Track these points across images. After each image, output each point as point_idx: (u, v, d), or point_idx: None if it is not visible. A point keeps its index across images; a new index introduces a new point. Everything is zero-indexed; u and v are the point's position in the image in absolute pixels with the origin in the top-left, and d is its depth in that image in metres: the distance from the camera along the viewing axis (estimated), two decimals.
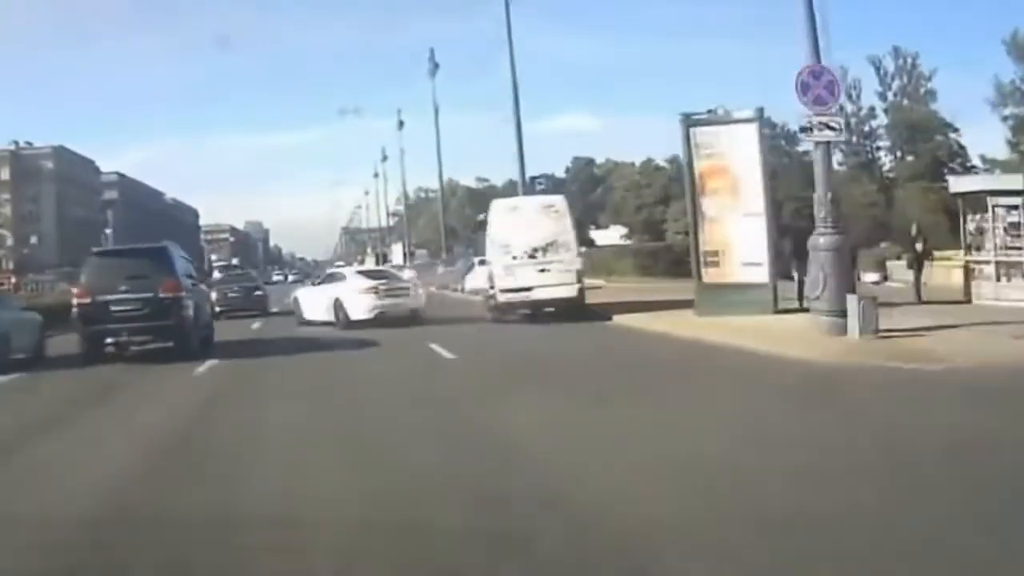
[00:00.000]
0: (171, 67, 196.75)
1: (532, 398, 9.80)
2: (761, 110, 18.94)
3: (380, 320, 21.78)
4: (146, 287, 16.34)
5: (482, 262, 38.98)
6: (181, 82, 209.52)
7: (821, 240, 14.39)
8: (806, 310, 18.89)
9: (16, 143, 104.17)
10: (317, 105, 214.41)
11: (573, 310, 21.55)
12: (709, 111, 18.99)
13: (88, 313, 16.37)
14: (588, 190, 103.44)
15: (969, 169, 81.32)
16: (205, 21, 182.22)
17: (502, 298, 21.79)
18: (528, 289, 21.52)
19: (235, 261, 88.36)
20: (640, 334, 17.81)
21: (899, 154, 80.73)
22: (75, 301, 16.75)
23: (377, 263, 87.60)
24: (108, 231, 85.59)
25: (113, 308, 16.24)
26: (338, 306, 22.87)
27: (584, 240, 44.77)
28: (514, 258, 21.71)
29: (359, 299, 22.59)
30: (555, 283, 21.49)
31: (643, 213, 52.98)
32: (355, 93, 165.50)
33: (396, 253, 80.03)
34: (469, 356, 14.67)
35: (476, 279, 37.22)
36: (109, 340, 16.69)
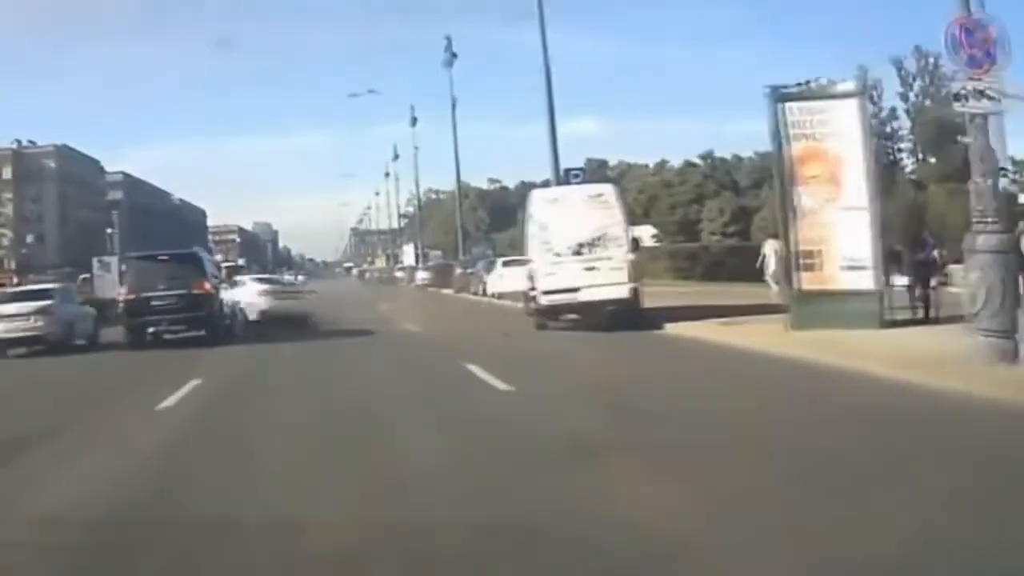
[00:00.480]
0: (181, 69, 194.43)
1: (664, 465, 6.45)
2: (864, 82, 15.63)
3: (274, 319, 23.23)
4: (181, 285, 19.40)
5: (506, 263, 35.84)
6: (191, 84, 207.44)
7: (982, 239, 11.00)
8: (921, 322, 15.86)
9: (18, 141, 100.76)
10: (328, 107, 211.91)
11: (624, 316, 18.41)
12: (803, 83, 15.63)
13: (133, 307, 19.51)
14: None
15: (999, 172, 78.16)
16: (220, 23, 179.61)
17: (545, 300, 18.60)
18: (574, 290, 18.32)
19: (241, 262, 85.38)
20: (723, 351, 14.39)
21: (921, 156, 77.66)
22: (121, 298, 20.28)
23: (388, 264, 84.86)
24: (109, 231, 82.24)
25: (154, 303, 19.33)
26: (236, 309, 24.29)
27: None
28: (558, 255, 18.51)
29: (255, 301, 24.21)
30: (605, 283, 18.29)
31: (676, 213, 49.37)
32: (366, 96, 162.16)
33: (408, 254, 76.67)
34: (529, 387, 11.01)
35: (500, 281, 34.01)
36: (151, 329, 19.58)
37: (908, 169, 76.35)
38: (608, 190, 19.66)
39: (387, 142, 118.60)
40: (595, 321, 18.56)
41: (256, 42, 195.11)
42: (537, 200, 19.55)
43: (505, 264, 35.09)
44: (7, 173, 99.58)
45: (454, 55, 47.63)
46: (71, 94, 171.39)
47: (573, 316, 19.11)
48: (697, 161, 59.65)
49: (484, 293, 37.07)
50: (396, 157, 74.11)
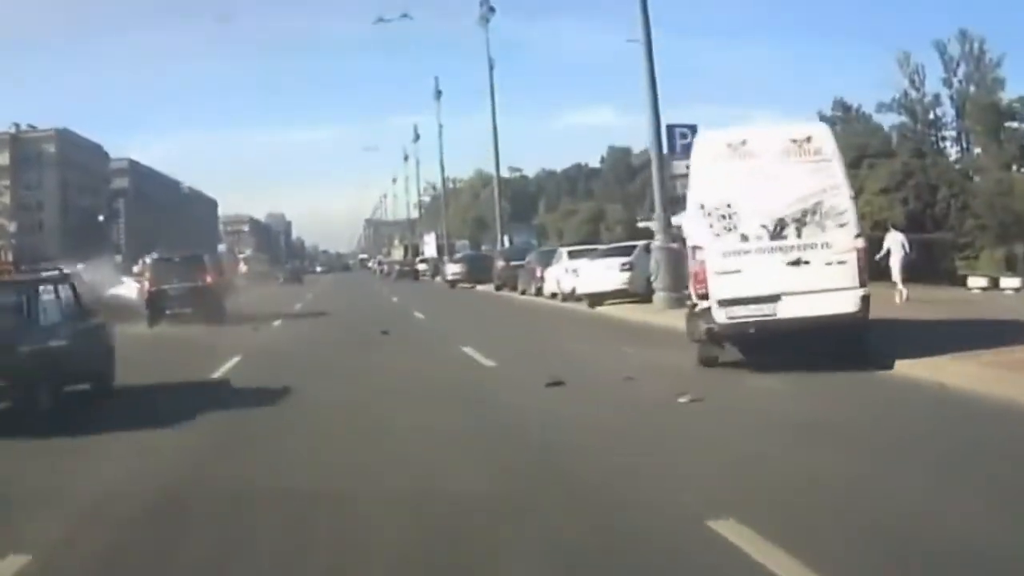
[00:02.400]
0: (198, 61, 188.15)
1: None
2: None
3: None
4: (191, 279, 25.47)
5: (573, 254, 27.94)
6: (206, 76, 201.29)
7: None
8: None
9: (16, 125, 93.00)
10: (344, 98, 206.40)
11: (845, 343, 10.91)
12: None
13: (153, 295, 25.50)
14: (625, 180, 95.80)
15: None
16: (234, 10, 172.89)
17: (723, 317, 10.69)
18: (772, 299, 10.62)
19: (248, 252, 78.95)
20: None
21: (966, 144, 70.98)
22: (145, 288, 26.26)
23: (406, 255, 76.93)
24: (101, 217, 75.20)
25: (170, 292, 25.33)
26: None
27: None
28: (743, 238, 10.70)
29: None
30: (821, 287, 10.59)
31: None
32: (381, 87, 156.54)
33: (429, 244, 68.97)
34: None
35: (566, 278, 26.29)
36: (168, 312, 25.15)
37: (952, 157, 69.47)
38: (820, 133, 11.50)
39: (404, 133, 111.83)
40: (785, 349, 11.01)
41: (272, 32, 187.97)
42: (706, 148, 11.37)
43: (572, 255, 27.06)
44: (4, 159, 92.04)
45: (492, 9, 40.29)
46: (80, 83, 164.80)
47: (756, 338, 11.38)
48: None
49: (539, 292, 29.22)
50: (417, 138, 68.15)
